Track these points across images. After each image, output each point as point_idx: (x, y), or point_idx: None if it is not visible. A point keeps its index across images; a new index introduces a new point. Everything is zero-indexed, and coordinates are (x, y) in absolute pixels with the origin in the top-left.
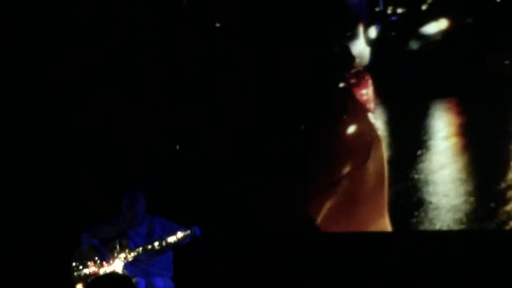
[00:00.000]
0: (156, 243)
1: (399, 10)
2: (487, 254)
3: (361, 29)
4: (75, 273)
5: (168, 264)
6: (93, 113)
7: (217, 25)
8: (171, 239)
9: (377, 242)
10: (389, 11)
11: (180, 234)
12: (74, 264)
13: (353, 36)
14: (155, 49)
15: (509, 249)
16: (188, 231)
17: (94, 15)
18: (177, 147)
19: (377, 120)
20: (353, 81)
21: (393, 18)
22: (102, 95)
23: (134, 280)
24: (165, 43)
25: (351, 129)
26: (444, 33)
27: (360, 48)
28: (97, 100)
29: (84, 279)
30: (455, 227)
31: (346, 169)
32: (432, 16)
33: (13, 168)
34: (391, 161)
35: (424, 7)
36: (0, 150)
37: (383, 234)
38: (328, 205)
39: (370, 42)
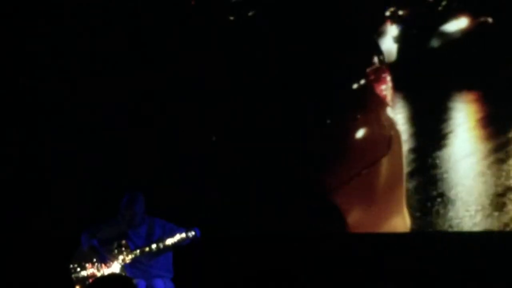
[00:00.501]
0: (156, 244)
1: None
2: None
3: (388, 26)
4: (75, 275)
5: (168, 265)
6: (93, 112)
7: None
8: (171, 240)
9: (382, 243)
10: (405, 11)
11: (180, 235)
12: (73, 265)
13: (382, 33)
14: (157, 47)
15: None
16: (188, 232)
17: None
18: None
19: (398, 114)
20: (372, 77)
21: (412, 17)
22: (101, 95)
23: (134, 281)
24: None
25: (371, 123)
26: (464, 30)
27: (388, 45)
28: (96, 99)
29: (83, 280)
30: (475, 222)
31: (366, 163)
32: (452, 14)
33: (12, 168)
34: (412, 154)
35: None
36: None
37: (387, 235)
38: (348, 199)
39: (397, 40)
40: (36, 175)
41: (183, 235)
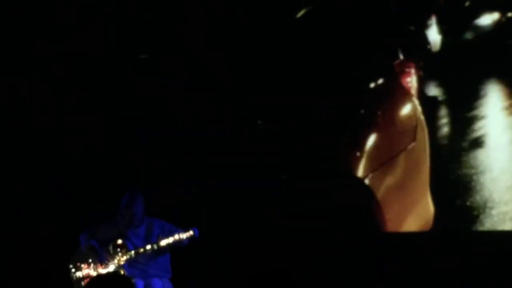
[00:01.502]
0: (155, 245)
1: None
2: None
3: (434, 18)
4: (74, 274)
5: (167, 266)
6: (91, 113)
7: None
8: (170, 240)
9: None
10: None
11: (178, 236)
12: (71, 266)
13: (427, 25)
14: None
15: None
16: (187, 233)
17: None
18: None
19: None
20: (399, 69)
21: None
22: (101, 95)
23: (132, 281)
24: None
25: (398, 113)
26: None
27: (433, 36)
28: (96, 100)
29: (79, 281)
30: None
31: (394, 152)
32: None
33: (13, 169)
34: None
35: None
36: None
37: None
38: (377, 188)
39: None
40: (36, 175)
41: (182, 235)
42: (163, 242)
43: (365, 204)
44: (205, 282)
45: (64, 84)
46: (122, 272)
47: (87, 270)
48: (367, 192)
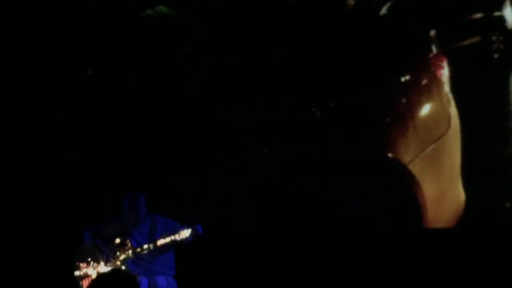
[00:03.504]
0: (159, 242)
1: None
2: None
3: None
4: (78, 272)
5: (170, 263)
6: (95, 113)
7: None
8: (174, 238)
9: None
10: None
11: (182, 233)
12: (76, 263)
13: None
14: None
15: None
16: (190, 230)
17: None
18: None
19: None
20: (433, 62)
21: None
22: (103, 95)
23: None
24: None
25: (432, 104)
26: None
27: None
28: (99, 100)
29: (80, 280)
30: None
31: (429, 141)
32: None
33: (16, 167)
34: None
35: None
36: (3, 148)
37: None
38: (419, 172)
39: None
40: (38, 174)
41: (186, 232)
42: (167, 240)
43: (407, 189)
44: (209, 279)
45: (70, 83)
46: (126, 270)
47: (86, 270)
48: (409, 177)
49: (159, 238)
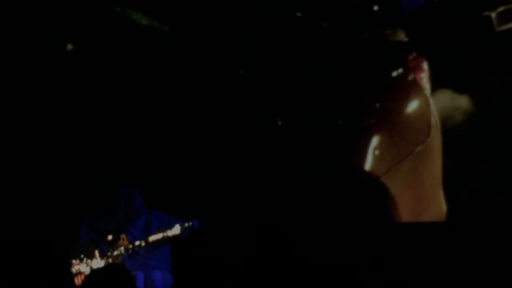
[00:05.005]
0: (155, 237)
1: None
2: None
3: None
4: (73, 268)
5: (166, 257)
6: (89, 108)
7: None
8: (170, 232)
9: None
10: None
11: (178, 227)
12: (72, 258)
13: None
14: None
15: None
16: (186, 224)
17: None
18: None
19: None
20: (412, 65)
21: None
22: (99, 91)
23: (132, 273)
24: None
25: (411, 110)
26: None
27: None
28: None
29: (73, 277)
30: None
31: (407, 150)
32: None
33: (12, 163)
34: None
35: None
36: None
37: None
38: (390, 187)
39: None
40: (34, 170)
41: (182, 227)
42: (163, 235)
43: (380, 204)
44: (205, 273)
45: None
46: (122, 265)
47: (78, 266)
48: (382, 191)
49: (155, 233)
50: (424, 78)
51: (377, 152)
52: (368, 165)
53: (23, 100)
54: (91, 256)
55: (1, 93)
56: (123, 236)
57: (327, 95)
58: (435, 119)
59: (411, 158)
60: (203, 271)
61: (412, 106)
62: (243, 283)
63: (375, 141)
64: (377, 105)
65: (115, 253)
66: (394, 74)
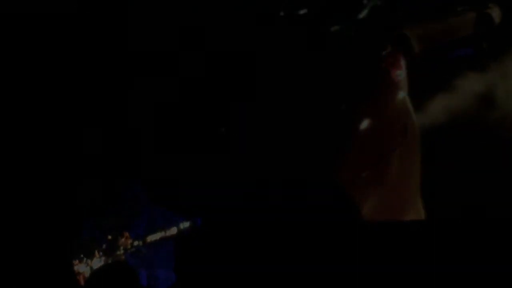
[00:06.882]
0: (157, 234)
1: None
2: None
3: None
4: (76, 266)
5: (169, 255)
6: (92, 104)
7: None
8: (173, 230)
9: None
10: None
11: (181, 225)
12: (74, 256)
13: None
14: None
15: None
16: (189, 222)
17: None
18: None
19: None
20: (389, 61)
21: None
22: (98, 90)
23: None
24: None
25: (385, 111)
26: None
27: None
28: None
29: (78, 275)
30: None
31: (379, 154)
32: None
33: (13, 162)
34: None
35: None
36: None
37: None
38: (362, 192)
39: None
40: (36, 168)
41: (184, 224)
42: (166, 232)
43: (351, 213)
44: (208, 271)
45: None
46: (124, 263)
47: (77, 267)
48: (348, 200)
49: (158, 231)
50: (400, 75)
51: (348, 156)
52: (331, 173)
53: (23, 100)
54: (91, 256)
55: (1, 93)
56: (126, 233)
57: (283, 95)
58: (412, 121)
59: (386, 163)
60: (206, 268)
61: (385, 107)
62: (243, 283)
63: (339, 146)
64: (342, 105)
65: (118, 251)
66: (365, 71)
